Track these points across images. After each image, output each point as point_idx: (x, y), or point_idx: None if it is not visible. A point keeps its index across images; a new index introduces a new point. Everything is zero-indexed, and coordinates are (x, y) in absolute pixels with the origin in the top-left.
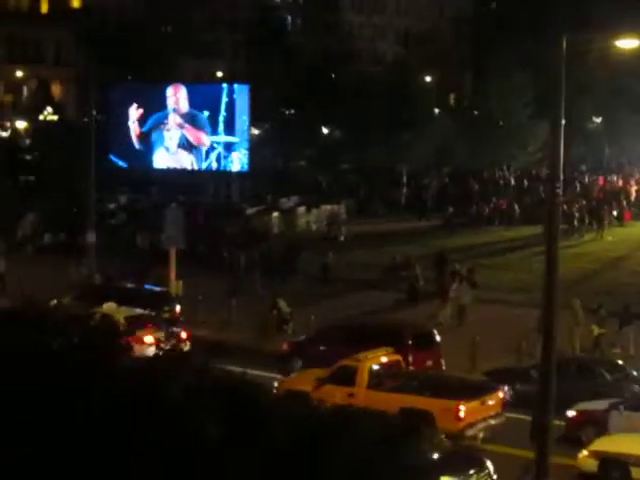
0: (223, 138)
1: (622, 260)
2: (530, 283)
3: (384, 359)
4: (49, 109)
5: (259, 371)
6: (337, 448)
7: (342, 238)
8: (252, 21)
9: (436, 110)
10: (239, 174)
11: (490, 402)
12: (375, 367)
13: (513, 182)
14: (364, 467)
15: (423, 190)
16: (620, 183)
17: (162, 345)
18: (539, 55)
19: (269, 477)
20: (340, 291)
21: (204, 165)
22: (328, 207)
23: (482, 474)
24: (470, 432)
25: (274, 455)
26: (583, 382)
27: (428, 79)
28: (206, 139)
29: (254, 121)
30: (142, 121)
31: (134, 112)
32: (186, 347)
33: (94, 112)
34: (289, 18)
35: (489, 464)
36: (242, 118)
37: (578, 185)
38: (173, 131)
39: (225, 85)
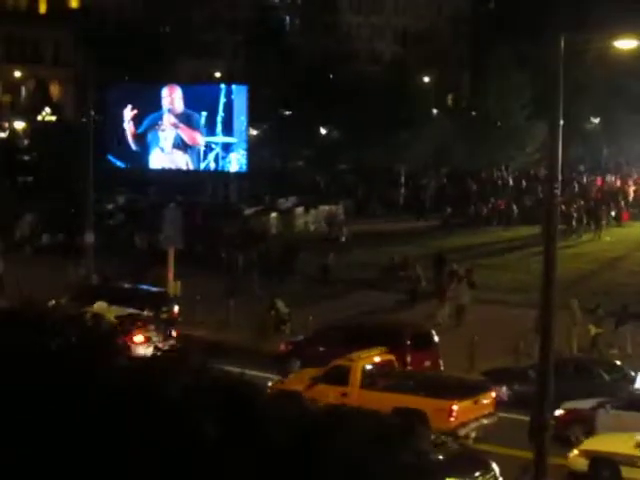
0: (221, 139)
1: (620, 260)
2: (528, 283)
3: (377, 359)
4: (47, 109)
5: (257, 372)
6: (332, 447)
7: (343, 239)
8: (251, 21)
9: (434, 110)
10: (237, 174)
11: (483, 402)
12: (368, 367)
13: (511, 182)
14: (358, 465)
15: (421, 190)
16: (618, 183)
17: (154, 344)
18: (537, 55)
19: (265, 476)
20: (338, 291)
21: (202, 165)
22: (326, 207)
23: (488, 476)
24: (463, 431)
25: (270, 454)
26: (581, 382)
27: (426, 79)
28: (201, 139)
29: (252, 121)
30: (138, 122)
31: (128, 113)
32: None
33: (92, 112)
34: (287, 18)
35: (495, 466)
36: (240, 119)
37: (576, 185)
38: (168, 131)
39: (223, 86)
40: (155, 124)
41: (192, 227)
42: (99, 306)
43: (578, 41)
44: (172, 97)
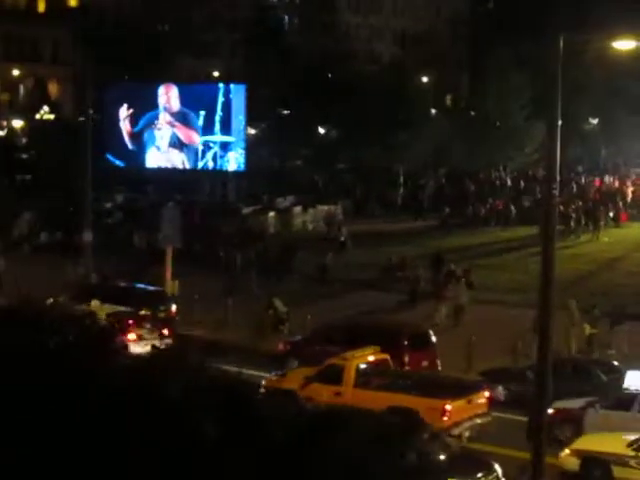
0: (219, 138)
1: (618, 261)
2: (526, 284)
3: (371, 358)
4: (46, 108)
5: (255, 371)
6: (332, 447)
7: (342, 238)
8: (249, 21)
9: (433, 111)
10: (235, 174)
11: (476, 401)
12: (362, 366)
13: (509, 183)
14: (358, 465)
15: (419, 190)
16: (616, 184)
17: (146, 342)
18: (536, 56)
19: (265, 476)
20: (336, 291)
21: (200, 164)
22: (324, 207)
23: (490, 477)
24: (456, 431)
25: (270, 454)
26: (579, 383)
27: (425, 80)
28: (197, 137)
29: (250, 121)
30: (134, 120)
31: (124, 111)
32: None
33: (91, 111)
34: (286, 18)
35: (497, 467)
36: (238, 118)
37: (574, 186)
38: (164, 130)
39: (221, 85)
40: (151, 123)
41: (190, 226)
42: (93, 304)
43: (577, 42)
44: (168, 95)
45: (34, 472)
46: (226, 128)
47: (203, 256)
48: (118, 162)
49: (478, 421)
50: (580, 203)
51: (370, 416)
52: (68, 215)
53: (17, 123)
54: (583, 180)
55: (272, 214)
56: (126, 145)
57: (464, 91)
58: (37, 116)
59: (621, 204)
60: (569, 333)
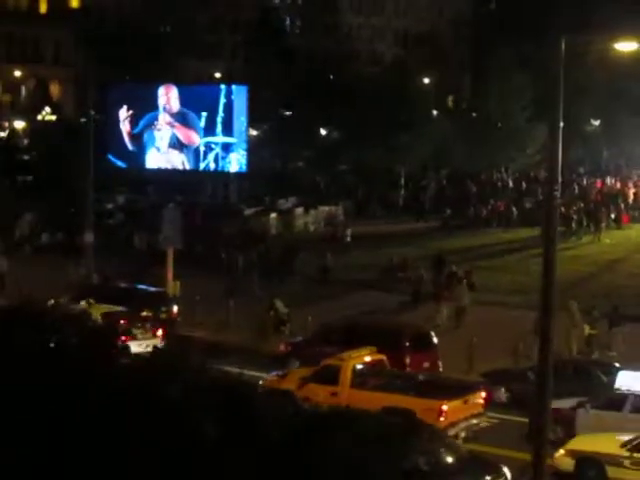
0: (221, 139)
1: (619, 262)
2: (527, 285)
3: (368, 358)
4: (47, 109)
5: (256, 372)
6: (331, 446)
7: (348, 239)
8: (251, 22)
9: (434, 112)
10: (237, 175)
11: (473, 401)
12: (359, 366)
13: (511, 184)
14: (358, 465)
15: (421, 192)
16: (618, 186)
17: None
18: (538, 57)
19: (265, 475)
20: (338, 292)
21: (202, 165)
22: (326, 208)
23: None
24: (452, 431)
25: (270, 453)
26: (580, 384)
27: (427, 80)
28: (197, 138)
29: (252, 122)
30: (134, 121)
31: (124, 113)
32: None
33: (92, 112)
34: (288, 19)
35: (506, 470)
36: (240, 119)
37: (576, 187)
38: (164, 131)
39: (223, 86)
40: (151, 124)
41: (192, 227)
42: (84, 304)
43: (579, 43)
44: (168, 96)
45: (34, 472)
46: (228, 129)
47: (205, 257)
48: (120, 163)
49: (474, 421)
50: (581, 204)
51: (370, 416)
52: (69, 216)
53: (19, 124)
54: (585, 181)
55: (274, 215)
56: (125, 146)
57: (466, 92)
58: (39, 117)
59: (622, 206)
60: (570, 334)
